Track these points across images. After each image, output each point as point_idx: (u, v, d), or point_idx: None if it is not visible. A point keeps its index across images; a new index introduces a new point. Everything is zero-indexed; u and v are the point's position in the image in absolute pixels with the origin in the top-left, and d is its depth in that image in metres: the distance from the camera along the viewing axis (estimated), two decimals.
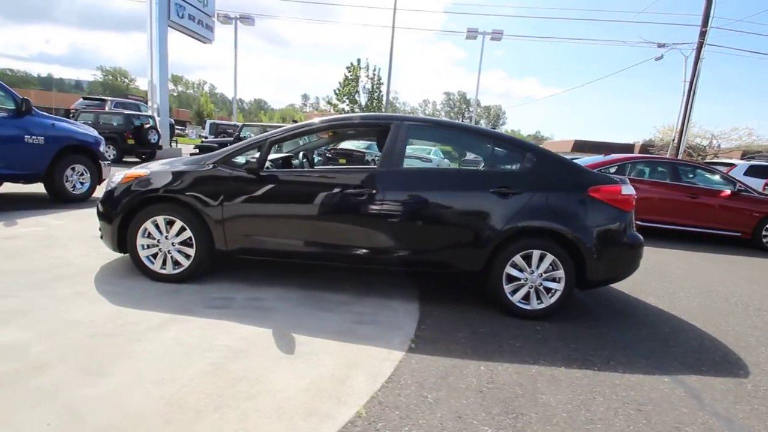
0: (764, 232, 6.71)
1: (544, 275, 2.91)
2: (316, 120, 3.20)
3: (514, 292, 2.95)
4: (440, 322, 2.79)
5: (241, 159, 3.16)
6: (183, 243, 3.03)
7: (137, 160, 14.00)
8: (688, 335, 2.99)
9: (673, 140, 21.48)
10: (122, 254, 3.24)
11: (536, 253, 2.90)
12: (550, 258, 2.88)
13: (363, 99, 32.38)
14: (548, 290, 2.94)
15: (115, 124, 12.69)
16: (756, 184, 9.06)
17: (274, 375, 1.98)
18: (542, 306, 2.94)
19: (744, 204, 6.74)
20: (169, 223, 3.02)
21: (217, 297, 2.87)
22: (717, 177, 7.20)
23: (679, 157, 18.64)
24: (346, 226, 2.94)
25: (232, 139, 13.26)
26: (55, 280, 2.90)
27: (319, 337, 2.41)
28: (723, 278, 4.72)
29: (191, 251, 3.02)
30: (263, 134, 3.12)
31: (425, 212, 2.92)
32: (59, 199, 5.62)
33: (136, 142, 12.93)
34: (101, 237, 3.22)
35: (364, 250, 2.96)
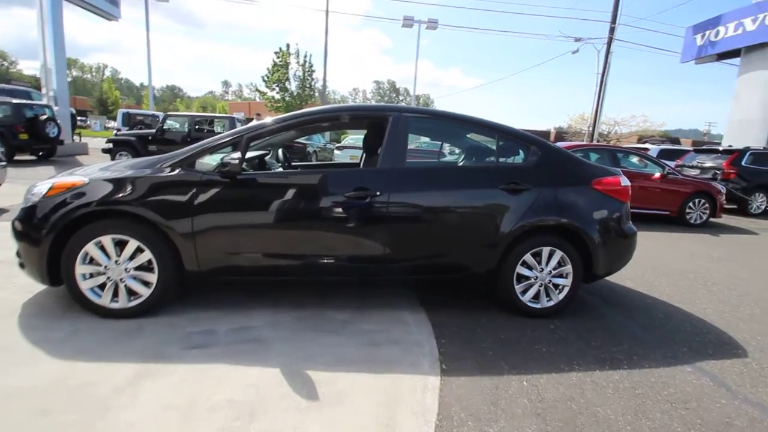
0: (687, 210, 7.50)
1: (553, 272, 2.81)
2: (305, 111, 2.73)
3: (524, 291, 2.82)
4: (458, 333, 2.56)
5: (208, 160, 2.60)
6: (140, 268, 2.43)
7: (33, 158, 11.88)
8: (678, 318, 3.10)
9: (589, 127, 23.58)
10: (53, 287, 2.52)
11: (546, 250, 2.78)
12: (558, 254, 2.79)
13: (294, 86, 30.92)
14: (556, 287, 2.85)
15: (0, 115, 10.52)
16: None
17: None
18: (552, 303, 2.85)
19: (671, 185, 7.45)
20: (120, 244, 2.40)
21: (196, 332, 2.35)
22: (647, 162, 7.88)
23: (594, 142, 20.43)
24: (346, 235, 2.56)
25: (153, 131, 11.67)
26: None
27: (338, 370, 2.04)
28: (671, 255, 5.13)
29: (152, 277, 2.43)
30: (237, 129, 2.58)
31: (434, 213, 2.64)
32: None
33: (30, 136, 10.88)
34: (21, 265, 2.48)
35: (369, 260, 2.62)
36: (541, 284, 2.81)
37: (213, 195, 2.42)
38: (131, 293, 2.45)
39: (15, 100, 11.31)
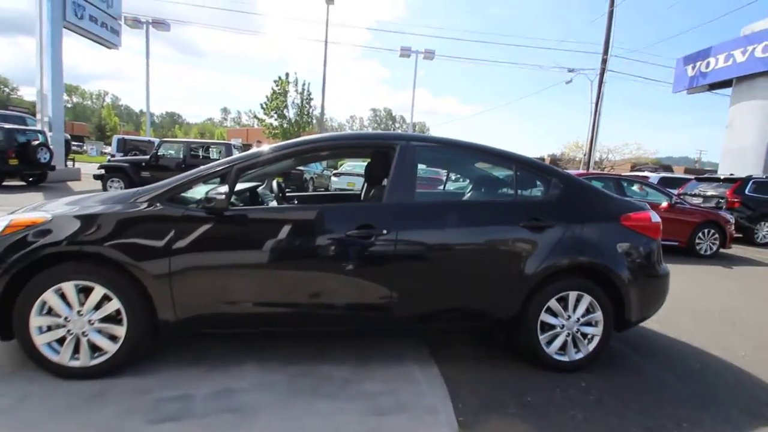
0: (697, 241, 7.24)
1: (581, 319, 2.49)
2: (304, 140, 2.46)
3: (549, 342, 2.48)
4: (477, 394, 2.20)
5: (192, 194, 2.30)
6: (107, 319, 2.08)
7: (23, 183, 11.57)
8: (717, 368, 2.76)
9: (584, 155, 23.74)
10: (3, 341, 2.15)
11: (573, 295, 2.47)
12: (587, 299, 2.47)
13: (292, 113, 31.20)
14: (585, 336, 2.52)
15: None
16: None
17: None
18: (581, 356, 2.51)
19: (679, 215, 7.22)
20: (83, 291, 2.06)
21: (168, 398, 1.97)
22: (653, 190, 7.69)
23: (590, 169, 20.48)
24: (348, 279, 2.24)
25: (147, 157, 11.44)
26: None
27: None
28: (691, 291, 4.81)
29: (120, 330, 2.08)
30: (225, 159, 2.29)
31: (448, 254, 2.34)
32: None
33: (20, 161, 10.61)
34: None
35: (375, 309, 2.29)
36: (569, 333, 2.48)
37: (195, 233, 2.11)
38: (95, 349, 2.09)
39: (7, 125, 11.10)
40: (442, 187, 4.48)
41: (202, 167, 2.27)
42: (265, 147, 2.39)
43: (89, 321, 2.06)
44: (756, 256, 7.98)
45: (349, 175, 14.60)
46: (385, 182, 2.80)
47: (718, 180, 10.77)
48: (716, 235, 7.25)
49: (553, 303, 2.45)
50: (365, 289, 2.26)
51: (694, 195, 10.36)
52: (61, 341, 2.06)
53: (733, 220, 7.58)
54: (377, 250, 2.23)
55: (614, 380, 2.46)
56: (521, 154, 2.61)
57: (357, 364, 2.43)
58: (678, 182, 12.65)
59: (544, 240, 2.40)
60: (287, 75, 30.60)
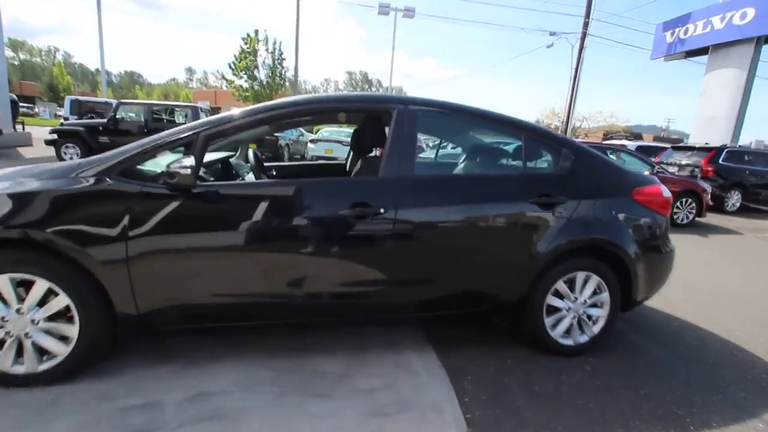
0: (675, 210, 7.33)
1: (588, 301, 2.34)
2: (283, 102, 2.08)
3: (554, 325, 2.33)
4: (482, 385, 2.04)
5: (152, 165, 1.93)
6: (55, 317, 1.75)
7: None
8: (715, 347, 2.72)
9: (561, 122, 23.78)
10: None
11: (581, 276, 2.30)
12: (595, 280, 2.32)
13: (263, 75, 29.49)
14: (590, 318, 2.39)
15: None
16: None
17: None
18: (585, 339, 2.38)
19: None
20: (22, 285, 1.71)
21: (134, 406, 1.70)
22: (635, 159, 7.66)
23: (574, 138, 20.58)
24: (340, 264, 1.97)
25: (104, 121, 10.47)
26: None
27: None
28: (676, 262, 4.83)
29: (71, 329, 1.76)
30: (190, 125, 1.90)
31: (453, 235, 2.09)
32: None
33: None
34: None
35: (370, 296, 2.05)
36: (575, 316, 2.34)
37: (157, 214, 1.76)
38: (43, 352, 1.77)
39: None
40: (432, 157, 4.19)
41: (161, 134, 1.88)
42: (237, 110, 2.01)
43: (33, 320, 1.72)
44: (727, 224, 8.22)
45: (327, 141, 14.07)
46: (375, 152, 2.49)
47: (693, 149, 10.94)
48: (693, 204, 7.36)
49: (560, 285, 2.28)
50: (360, 275, 2.00)
51: (670, 164, 10.50)
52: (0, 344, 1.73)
53: (710, 189, 7.71)
54: (373, 232, 1.96)
55: (617, 363, 2.36)
56: (530, 122, 2.33)
57: (350, 354, 2.22)
58: (654, 151, 12.83)
59: (554, 217, 2.19)
60: (256, 32, 28.63)
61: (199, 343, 2.19)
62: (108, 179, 1.76)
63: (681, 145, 12.33)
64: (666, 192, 2.50)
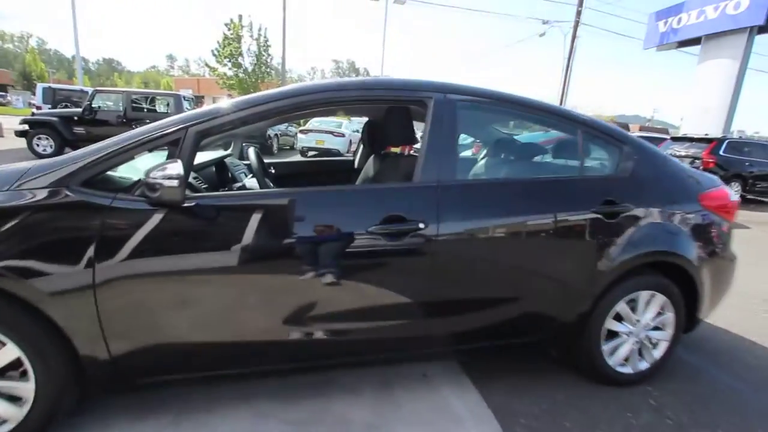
0: None
1: (651, 323, 2.02)
2: (289, 91, 1.66)
3: (611, 352, 2.00)
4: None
5: (126, 170, 1.50)
6: (1, 373, 1.33)
7: None
8: None
9: None
10: None
11: (644, 295, 1.97)
12: (660, 299, 1.99)
13: (248, 62, 28.50)
14: (650, 341, 2.06)
15: None
16: None
17: None
18: (646, 366, 2.06)
19: None
20: None
21: None
22: None
23: None
24: (371, 293, 1.58)
25: (79, 110, 9.76)
26: None
27: None
28: None
29: (26, 387, 1.35)
30: (174, 118, 1.48)
31: (503, 252, 1.73)
32: None
33: None
34: None
35: (407, 330, 1.67)
36: (636, 341, 2.01)
37: (133, 234, 1.35)
38: None
39: None
40: (472, 155, 3.73)
41: (138, 130, 1.45)
42: (234, 101, 1.58)
43: None
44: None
45: (318, 132, 13.56)
46: (397, 150, 2.09)
47: (692, 140, 10.79)
48: None
49: (621, 306, 1.94)
50: (394, 305, 1.62)
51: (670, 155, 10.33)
52: None
53: None
54: (411, 253, 1.58)
55: (681, 393, 2.05)
56: (587, 115, 1.96)
57: (377, 393, 1.85)
58: (655, 142, 12.66)
59: (619, 229, 1.84)
60: (240, 18, 27.58)
61: (191, 386, 1.79)
62: (67, 191, 1.33)
63: (681, 136, 12.18)
64: (733, 195, 2.18)
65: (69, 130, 9.40)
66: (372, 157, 2.70)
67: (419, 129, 1.86)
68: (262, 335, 1.55)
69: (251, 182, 2.18)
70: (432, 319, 1.69)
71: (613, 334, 1.99)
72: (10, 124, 13.05)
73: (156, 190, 1.28)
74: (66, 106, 12.88)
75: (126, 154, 1.41)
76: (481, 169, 2.03)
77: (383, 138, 2.01)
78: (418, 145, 1.81)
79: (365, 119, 2.87)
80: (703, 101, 17.30)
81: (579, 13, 21.83)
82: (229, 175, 2.22)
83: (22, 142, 9.62)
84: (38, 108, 13.24)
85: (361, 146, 3.03)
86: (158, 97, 10.56)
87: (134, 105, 9.84)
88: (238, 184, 2.22)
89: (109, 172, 1.43)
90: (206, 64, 29.06)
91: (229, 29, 27.54)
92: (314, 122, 14.30)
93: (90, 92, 10.36)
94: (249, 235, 1.45)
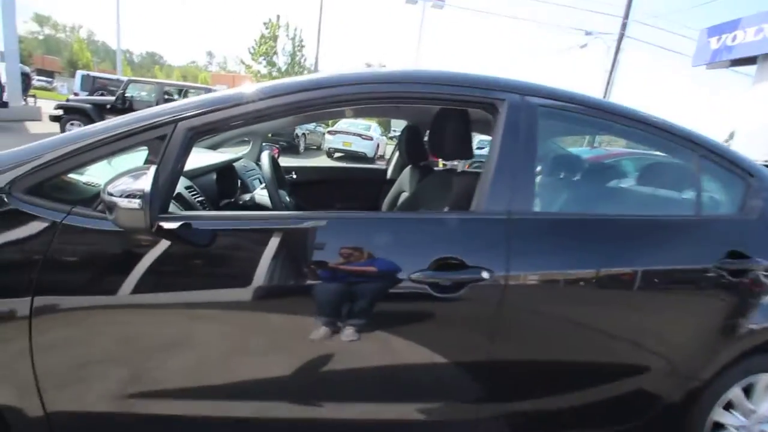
0: None
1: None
2: (323, 79, 1.26)
3: None
4: None
5: (94, 173, 1.14)
6: None
7: None
8: None
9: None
10: None
11: (764, 379, 1.47)
12: None
13: (282, 61, 28.79)
14: None
15: None
16: None
17: None
18: None
19: None
20: None
21: None
22: None
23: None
24: (414, 361, 1.17)
25: (113, 99, 9.82)
26: None
27: None
28: None
29: None
30: (162, 108, 1.10)
31: (592, 314, 1.28)
32: None
33: None
34: None
35: (458, 410, 1.24)
36: None
37: (89, 259, 0.99)
38: None
39: None
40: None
41: (108, 122, 1.09)
42: (251, 87, 1.19)
43: None
44: None
45: (346, 133, 13.32)
46: (447, 164, 1.68)
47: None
48: None
49: (735, 392, 1.45)
50: (436, 378, 1.19)
51: None
52: None
53: None
54: (470, 310, 1.15)
55: None
56: (706, 135, 1.47)
57: None
58: None
59: (747, 291, 1.36)
60: (278, 17, 27.93)
61: None
62: (4, 197, 0.98)
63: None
64: None
65: (101, 118, 9.41)
66: (409, 168, 2.29)
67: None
68: (255, 412, 1.15)
69: (261, 195, 1.79)
70: (486, 400, 1.25)
71: (719, 427, 1.49)
72: (50, 109, 13.39)
73: (112, 210, 0.90)
74: (102, 94, 13.08)
75: (89, 154, 1.04)
76: (563, 198, 1.57)
77: (434, 146, 1.59)
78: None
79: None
80: (758, 125, 16.12)
81: (624, 25, 20.88)
82: (238, 184, 1.84)
83: (56, 127, 9.73)
84: (75, 94, 13.53)
85: (396, 154, 2.62)
86: (191, 90, 10.53)
87: (167, 97, 9.82)
88: (246, 197, 1.84)
89: (69, 176, 1.07)
90: (242, 62, 29.54)
91: (266, 28, 27.94)
92: (342, 123, 14.06)
93: (125, 81, 10.43)
94: (242, 274, 1.06)
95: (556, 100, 1.35)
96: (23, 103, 13.26)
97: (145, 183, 0.89)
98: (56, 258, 0.98)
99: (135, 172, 0.92)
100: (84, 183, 1.12)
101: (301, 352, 1.12)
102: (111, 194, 0.90)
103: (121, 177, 0.91)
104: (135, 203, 0.88)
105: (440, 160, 2.24)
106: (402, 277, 1.10)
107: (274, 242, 1.08)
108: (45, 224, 0.98)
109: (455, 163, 2.62)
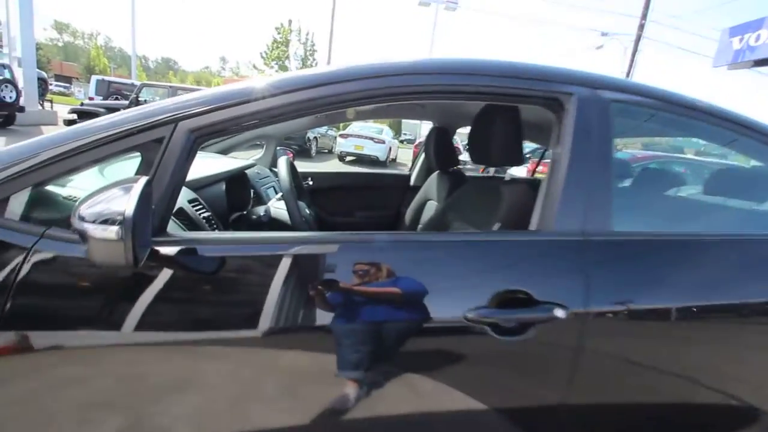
0: None
1: None
2: (352, 70, 1.00)
3: None
4: None
5: (77, 185, 0.95)
6: None
7: None
8: None
9: None
10: None
11: None
12: None
13: (294, 66, 28.92)
14: None
15: None
16: None
17: None
18: None
19: None
20: None
21: None
22: None
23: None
24: (469, 416, 0.94)
25: (126, 103, 9.82)
26: None
27: None
28: None
29: None
30: (156, 106, 0.89)
31: (687, 354, 1.03)
32: None
33: None
34: None
35: None
36: None
37: (64, 290, 0.79)
38: None
39: None
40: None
41: (93, 122, 0.89)
42: (262, 82, 0.98)
43: None
44: None
45: (358, 137, 13.14)
46: (495, 171, 1.43)
47: None
48: None
49: None
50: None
51: None
52: None
53: None
54: (538, 356, 0.92)
55: None
56: None
57: None
58: None
59: None
60: (290, 22, 28.11)
61: None
62: None
63: None
64: None
65: None
66: (436, 174, 2.06)
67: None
68: None
69: (278, 207, 1.56)
70: None
71: None
72: (63, 113, 13.53)
73: (84, 240, 0.69)
74: (116, 98, 13.15)
75: (70, 161, 0.84)
76: (650, 213, 1.31)
77: (475, 151, 1.35)
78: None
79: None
80: None
81: (642, 26, 20.41)
82: (250, 194, 1.63)
83: None
84: (91, 98, 13.63)
85: (420, 159, 2.40)
86: None
87: None
88: (260, 210, 1.62)
89: (47, 187, 0.87)
90: (254, 66, 29.80)
91: (278, 33, 28.13)
92: (354, 126, 13.90)
93: (138, 85, 10.44)
94: (254, 313, 0.84)
95: (632, 94, 1.11)
96: (39, 107, 13.41)
97: (128, 204, 0.67)
98: (24, 291, 0.78)
99: (119, 186, 0.71)
100: (64, 197, 0.92)
101: (327, 402, 0.90)
102: (83, 218, 0.69)
103: (100, 193, 0.71)
104: (112, 231, 0.67)
105: (483, 166, 2.01)
106: (455, 317, 0.87)
107: (294, 271, 0.87)
108: (11, 250, 0.78)
109: (490, 170, 2.39)
